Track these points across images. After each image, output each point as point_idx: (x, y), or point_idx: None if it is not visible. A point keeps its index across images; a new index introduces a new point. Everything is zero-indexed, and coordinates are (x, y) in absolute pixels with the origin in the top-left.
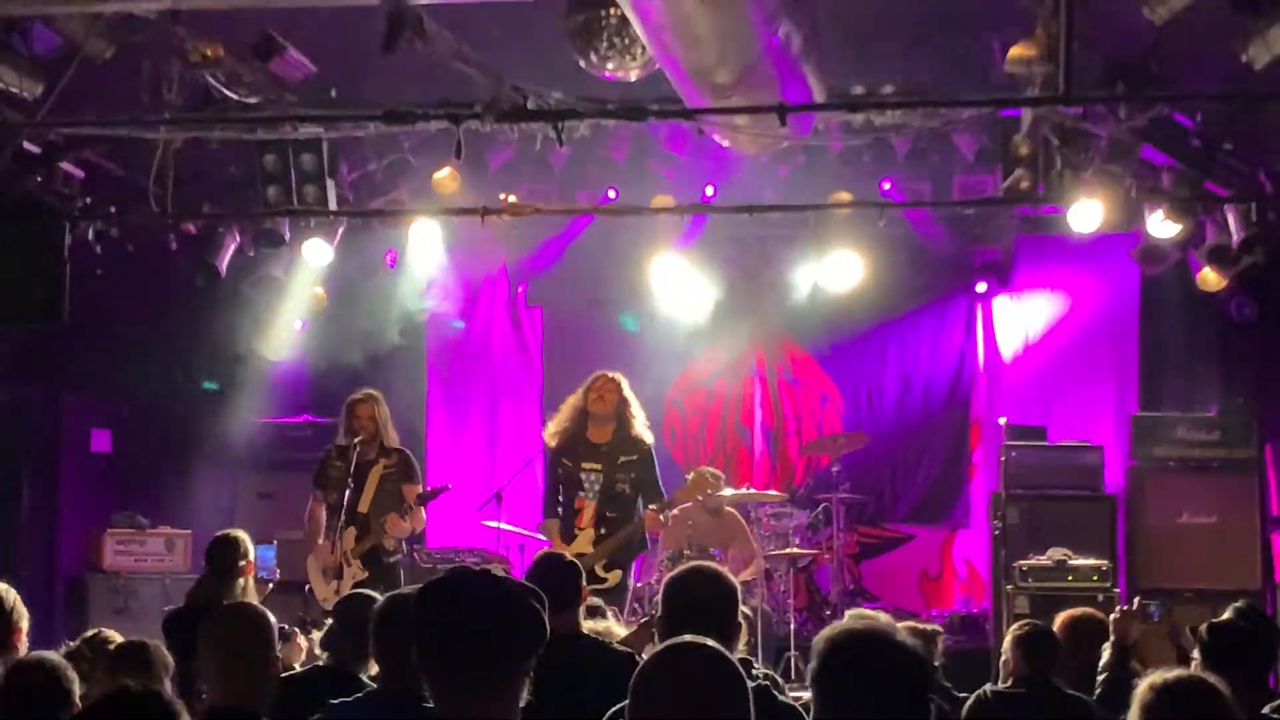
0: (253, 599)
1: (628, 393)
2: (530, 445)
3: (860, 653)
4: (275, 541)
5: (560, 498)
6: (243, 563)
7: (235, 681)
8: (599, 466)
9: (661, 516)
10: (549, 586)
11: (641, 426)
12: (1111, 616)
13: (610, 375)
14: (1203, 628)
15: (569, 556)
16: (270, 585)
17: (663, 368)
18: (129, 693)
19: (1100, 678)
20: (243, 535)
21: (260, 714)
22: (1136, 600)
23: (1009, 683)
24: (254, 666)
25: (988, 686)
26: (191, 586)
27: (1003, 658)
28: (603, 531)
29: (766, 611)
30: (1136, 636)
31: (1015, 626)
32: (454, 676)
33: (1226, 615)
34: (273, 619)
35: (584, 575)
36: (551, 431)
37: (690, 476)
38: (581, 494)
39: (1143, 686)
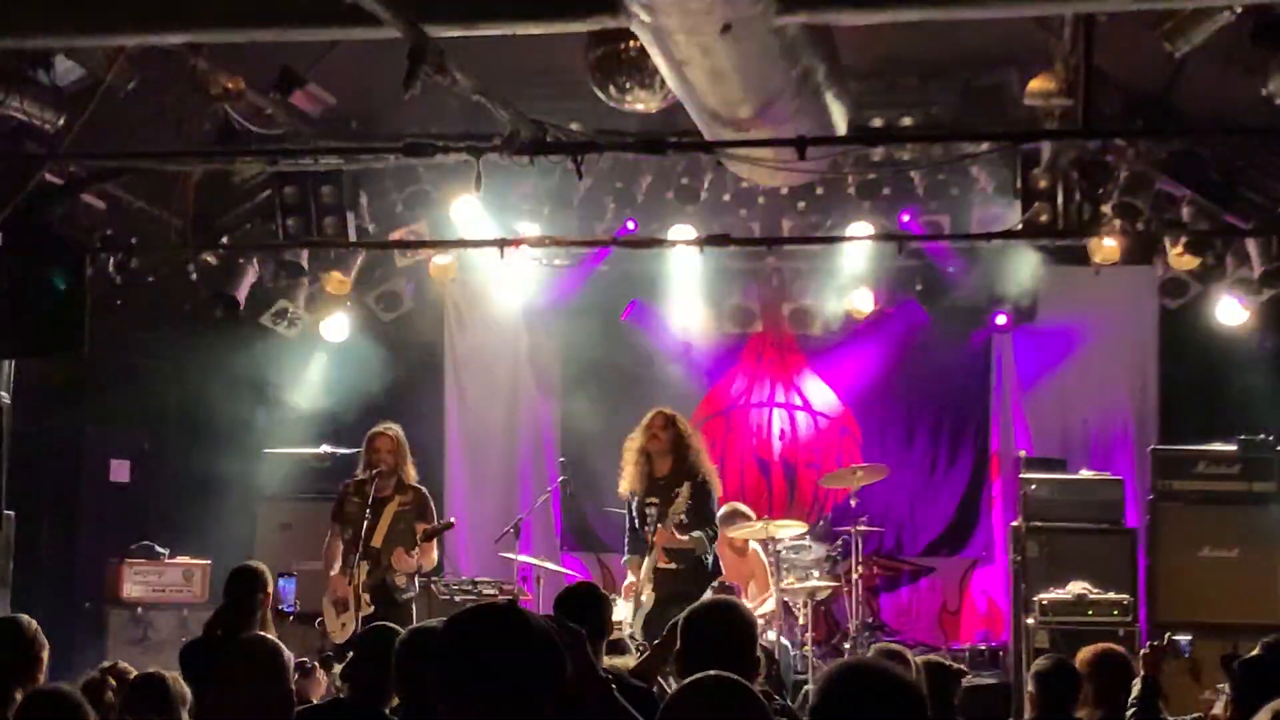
0: (270, 632)
1: (683, 426)
2: (548, 478)
3: (856, 688)
4: (295, 573)
5: (638, 533)
6: (260, 595)
7: (250, 714)
8: (657, 500)
9: (670, 532)
10: (575, 619)
11: (698, 457)
12: (1141, 652)
13: (665, 412)
14: (1235, 664)
15: (599, 590)
16: (290, 618)
17: (680, 399)
18: None
19: (1129, 713)
20: (262, 567)
21: None
22: (1167, 636)
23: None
24: (269, 700)
25: None
26: (209, 618)
27: (1026, 690)
28: (663, 563)
29: (785, 645)
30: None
31: (1037, 661)
32: (473, 714)
33: (1256, 651)
34: (288, 653)
35: (612, 608)
36: (627, 476)
37: (722, 511)
38: (648, 528)
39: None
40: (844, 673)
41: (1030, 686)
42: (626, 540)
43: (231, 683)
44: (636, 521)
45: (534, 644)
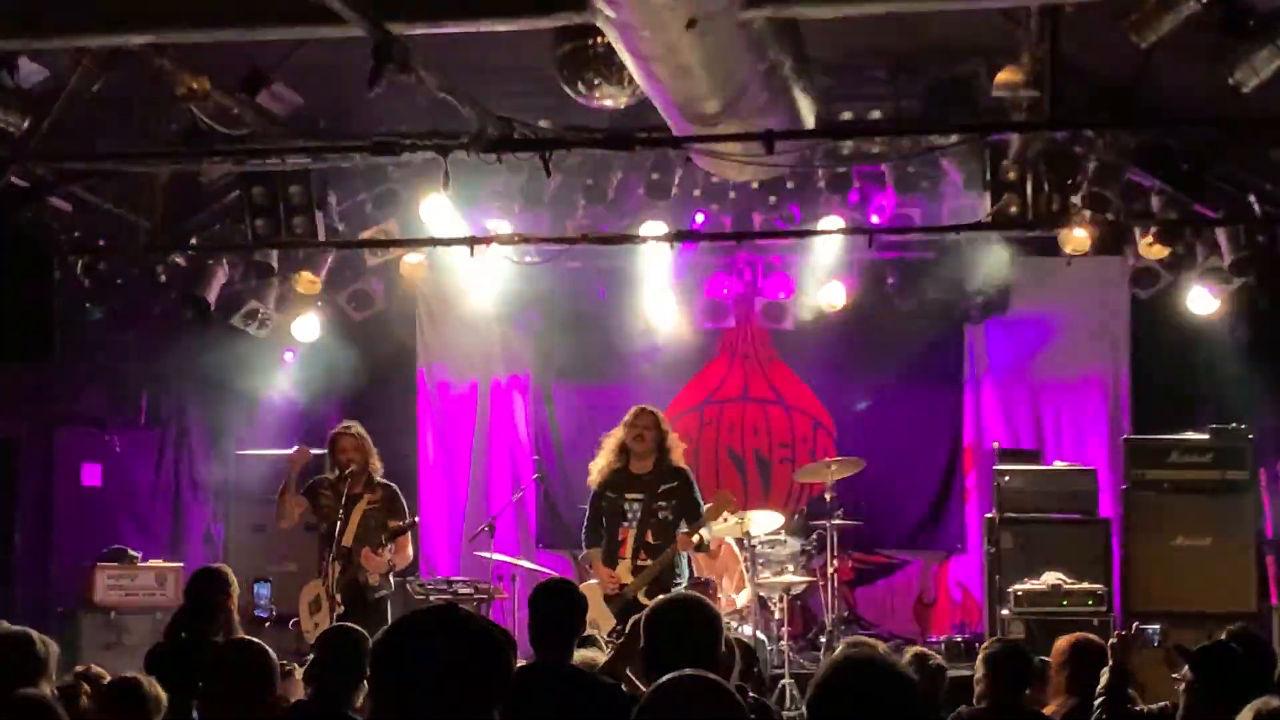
0: (236, 634)
1: (665, 425)
2: (522, 475)
3: (855, 681)
4: (271, 578)
5: (604, 529)
6: (221, 597)
7: (238, 717)
8: (640, 496)
9: (695, 538)
10: (549, 617)
11: (680, 456)
12: (1110, 641)
13: (649, 410)
14: (1195, 649)
15: (576, 590)
16: (266, 623)
17: (654, 395)
18: None
19: (1097, 702)
20: (223, 569)
21: None
22: (1134, 625)
23: (981, 704)
24: (256, 703)
25: (962, 709)
26: (168, 621)
27: (975, 676)
28: (641, 560)
29: (761, 639)
30: (1134, 662)
31: (985, 645)
32: (413, 712)
33: (1220, 638)
34: (274, 656)
35: (588, 609)
36: (599, 467)
37: (710, 505)
38: (625, 524)
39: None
40: (843, 665)
41: (980, 670)
42: (586, 533)
43: (219, 686)
44: (605, 516)
45: (474, 644)
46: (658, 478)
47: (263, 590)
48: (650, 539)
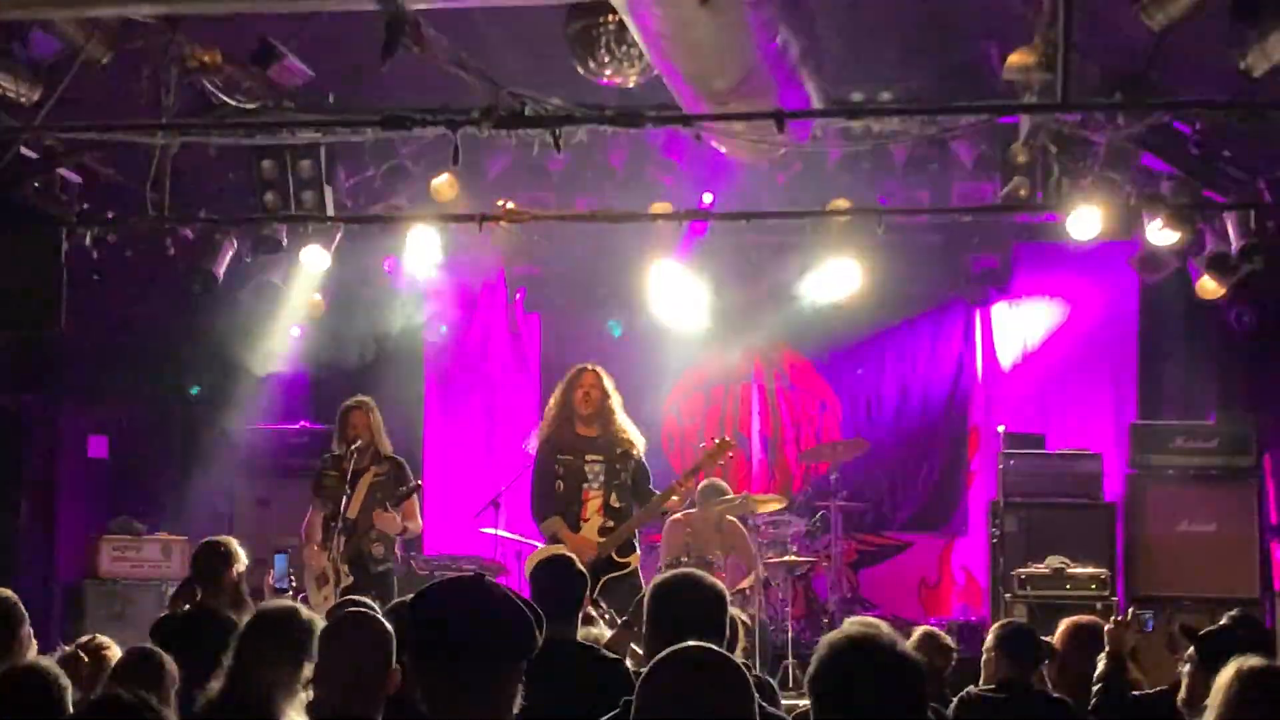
0: (244, 607)
1: (608, 384)
2: (527, 452)
3: (858, 659)
4: (288, 549)
5: (561, 492)
6: (224, 569)
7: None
8: (601, 458)
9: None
10: (552, 591)
11: (624, 418)
12: (1106, 627)
13: (591, 369)
14: (1200, 632)
15: (578, 564)
16: (288, 594)
17: (660, 375)
18: (119, 701)
19: (1095, 688)
20: (228, 541)
21: None
22: (1131, 610)
23: (991, 685)
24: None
25: (971, 688)
26: (173, 594)
27: (984, 657)
28: (609, 523)
29: (764, 620)
30: (1131, 646)
31: (997, 626)
32: (445, 681)
33: (1222, 622)
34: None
35: (588, 581)
36: (546, 433)
37: (711, 449)
38: (587, 485)
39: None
40: (844, 644)
41: (990, 651)
42: (540, 500)
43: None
44: (563, 479)
45: (497, 610)
46: (612, 441)
47: (281, 562)
48: (615, 503)
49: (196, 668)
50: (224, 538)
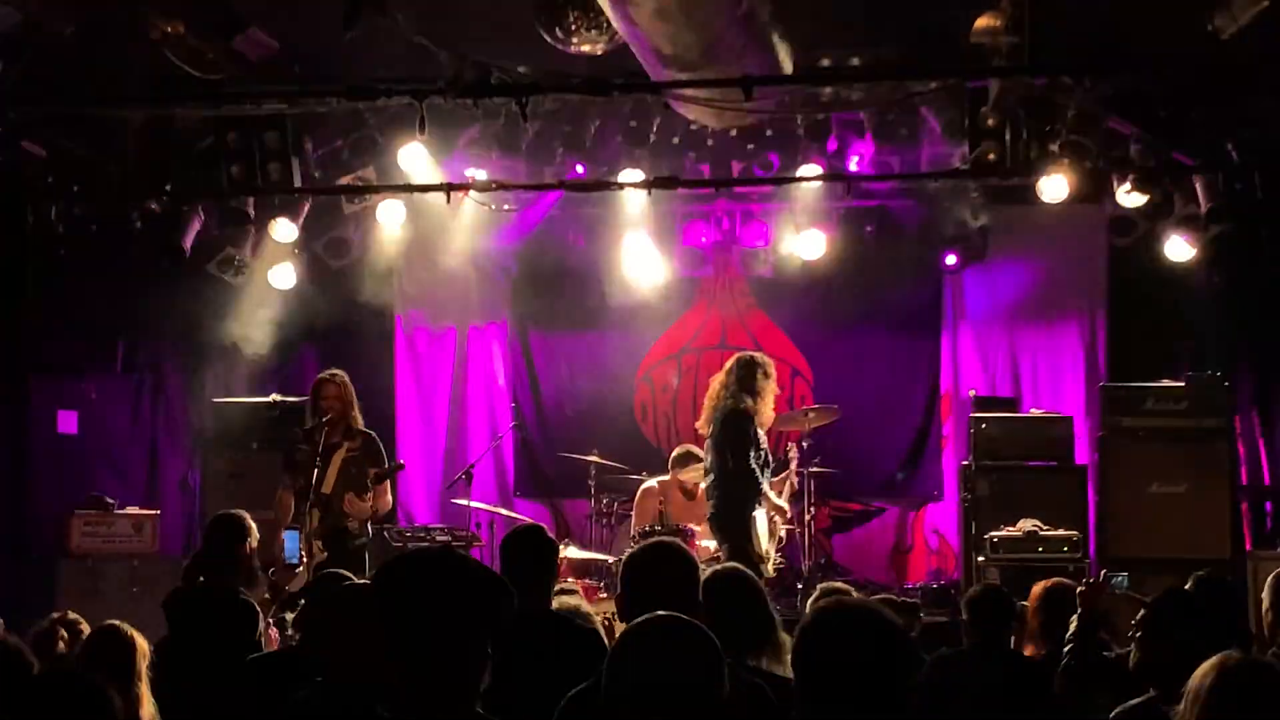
0: (257, 583)
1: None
2: (500, 423)
3: (844, 628)
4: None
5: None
6: (238, 543)
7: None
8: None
9: None
10: (521, 562)
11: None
12: (1078, 589)
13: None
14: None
15: (548, 535)
16: (298, 569)
17: (633, 344)
18: (61, 675)
19: (1066, 649)
20: (240, 515)
21: None
22: (1103, 572)
23: (965, 647)
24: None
25: (943, 649)
26: (186, 566)
27: (961, 619)
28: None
29: None
30: (1104, 608)
31: (970, 590)
32: (413, 652)
33: (1187, 585)
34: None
35: (558, 552)
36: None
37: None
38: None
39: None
40: (827, 613)
41: (964, 615)
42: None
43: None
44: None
45: (463, 577)
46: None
47: (292, 540)
48: None
49: (207, 642)
50: (238, 511)
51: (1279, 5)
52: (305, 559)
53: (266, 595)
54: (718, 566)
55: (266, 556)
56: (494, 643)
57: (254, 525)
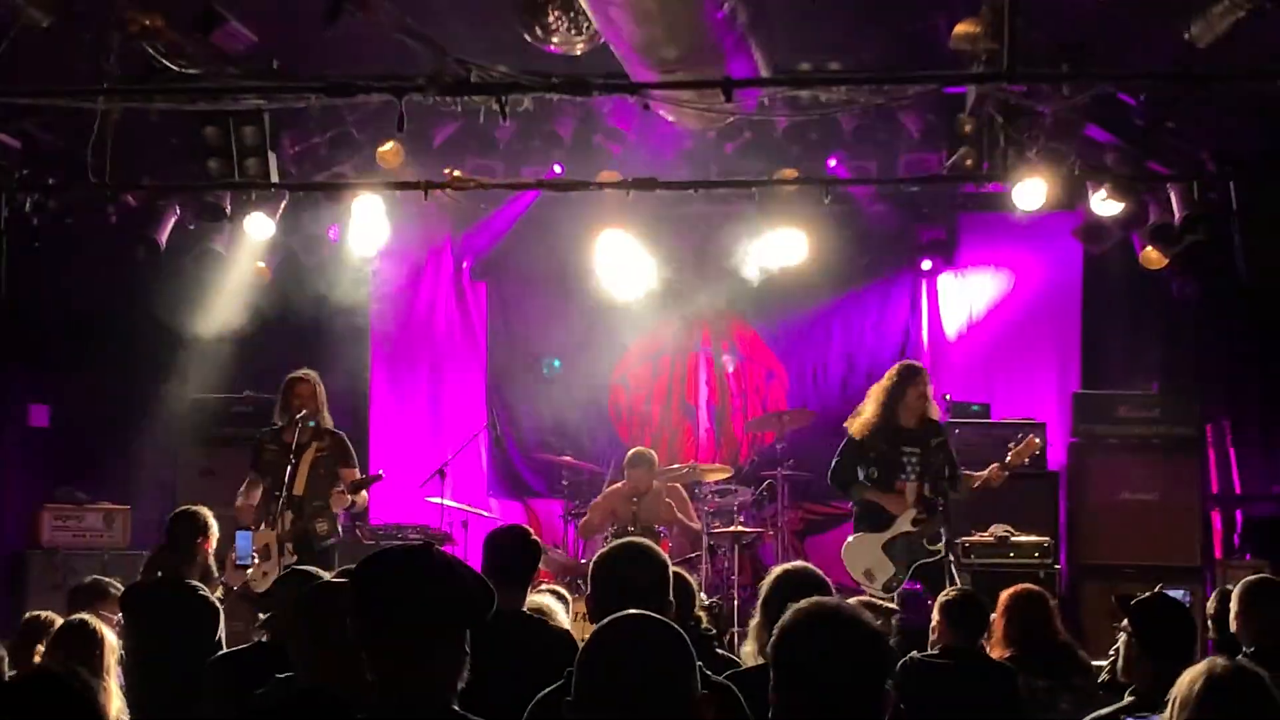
0: (212, 578)
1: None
2: (474, 422)
3: (823, 629)
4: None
5: (875, 479)
6: (201, 539)
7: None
8: (918, 450)
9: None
10: (501, 561)
11: (935, 409)
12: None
13: (919, 367)
14: (1131, 604)
15: (530, 534)
16: (249, 570)
17: (608, 345)
18: (47, 674)
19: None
20: (202, 511)
21: None
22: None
23: (936, 651)
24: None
25: (915, 653)
26: (146, 560)
27: (931, 623)
28: (922, 514)
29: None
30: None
31: (943, 594)
32: (391, 650)
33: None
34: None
35: (540, 551)
36: (865, 420)
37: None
38: (903, 476)
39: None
40: (805, 613)
41: (936, 617)
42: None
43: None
44: (877, 466)
45: (441, 575)
46: (928, 431)
47: (245, 540)
48: (929, 491)
49: (163, 636)
50: (199, 508)
51: (1255, 16)
52: (257, 560)
53: (219, 595)
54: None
55: (218, 556)
56: (473, 629)
57: (214, 522)
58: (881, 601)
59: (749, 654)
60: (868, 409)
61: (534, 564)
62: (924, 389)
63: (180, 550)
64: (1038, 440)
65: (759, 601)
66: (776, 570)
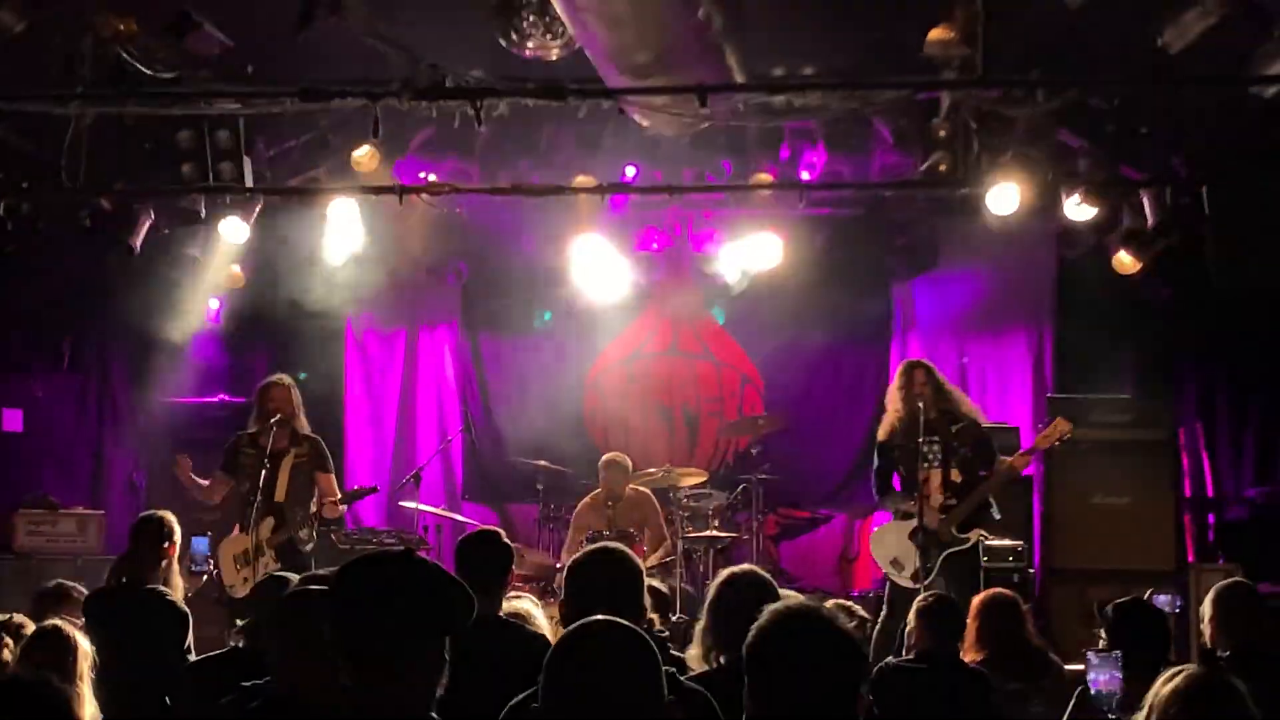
0: (176, 583)
1: (939, 376)
2: (449, 426)
3: (798, 631)
4: (209, 533)
5: (902, 475)
6: (166, 544)
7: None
8: (938, 438)
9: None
10: (475, 566)
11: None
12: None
13: (917, 362)
14: (1108, 610)
15: (503, 538)
16: (204, 577)
17: (582, 348)
18: (19, 682)
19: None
20: (168, 516)
21: None
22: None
23: (911, 655)
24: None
25: (890, 659)
26: (112, 566)
27: (907, 628)
28: (951, 500)
29: (687, 591)
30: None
31: (919, 598)
32: (370, 656)
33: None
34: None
35: (513, 556)
36: (886, 423)
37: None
38: (925, 465)
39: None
40: (784, 616)
41: (912, 621)
42: (879, 484)
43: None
44: (901, 463)
45: (421, 581)
46: (946, 418)
47: (200, 545)
48: (955, 477)
49: (126, 642)
50: (164, 513)
51: (1227, 22)
52: (212, 566)
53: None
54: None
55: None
56: (454, 633)
57: (178, 527)
58: (856, 609)
59: (694, 657)
60: (888, 412)
61: (507, 568)
62: (928, 381)
63: (144, 555)
64: (1066, 423)
65: (705, 605)
66: (723, 574)
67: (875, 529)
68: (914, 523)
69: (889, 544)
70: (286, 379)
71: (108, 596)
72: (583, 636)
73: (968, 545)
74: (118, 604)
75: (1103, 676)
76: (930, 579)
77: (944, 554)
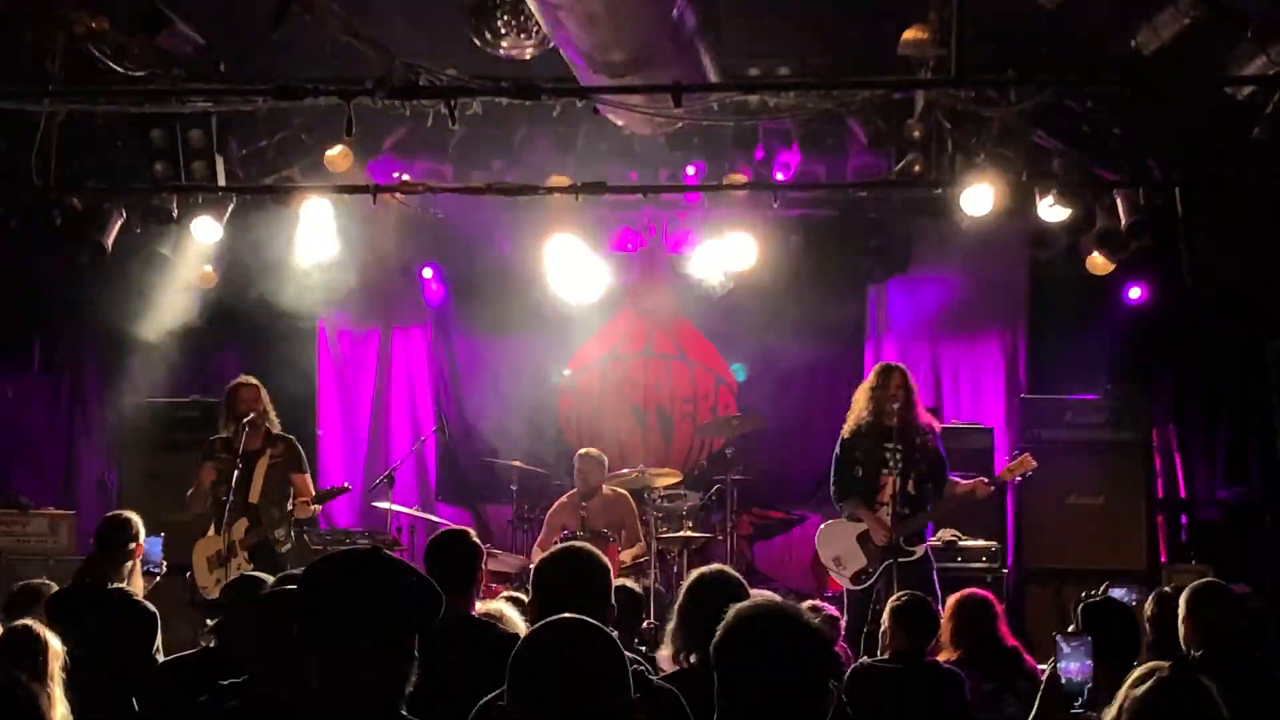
0: (138, 583)
1: (913, 383)
2: (423, 426)
3: (766, 628)
4: (163, 533)
5: (859, 476)
6: (131, 545)
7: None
8: (901, 447)
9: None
10: (444, 567)
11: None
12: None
13: (895, 366)
14: (1079, 607)
15: (472, 538)
16: (157, 578)
17: (556, 348)
18: None
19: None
20: (134, 517)
21: None
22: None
23: (886, 655)
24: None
25: (865, 659)
26: (79, 567)
27: (882, 628)
28: (904, 510)
29: (660, 592)
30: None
31: (893, 599)
32: (338, 654)
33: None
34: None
35: (483, 555)
36: (851, 421)
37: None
38: (885, 471)
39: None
40: (752, 613)
41: (887, 622)
42: (840, 482)
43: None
44: (861, 465)
45: (390, 578)
46: (910, 430)
47: (154, 545)
48: (912, 489)
49: (91, 642)
50: (128, 513)
51: (1200, 23)
52: (166, 569)
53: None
54: None
55: None
56: (422, 631)
57: (142, 528)
58: (826, 609)
59: (665, 658)
60: (853, 410)
61: (476, 567)
62: (900, 388)
63: (108, 556)
64: (1033, 460)
65: (675, 605)
66: (693, 574)
67: (824, 524)
68: (863, 525)
69: (834, 542)
70: (253, 380)
71: (72, 597)
72: (546, 635)
73: (915, 557)
74: (82, 604)
75: (1074, 665)
76: (871, 582)
77: (891, 561)
